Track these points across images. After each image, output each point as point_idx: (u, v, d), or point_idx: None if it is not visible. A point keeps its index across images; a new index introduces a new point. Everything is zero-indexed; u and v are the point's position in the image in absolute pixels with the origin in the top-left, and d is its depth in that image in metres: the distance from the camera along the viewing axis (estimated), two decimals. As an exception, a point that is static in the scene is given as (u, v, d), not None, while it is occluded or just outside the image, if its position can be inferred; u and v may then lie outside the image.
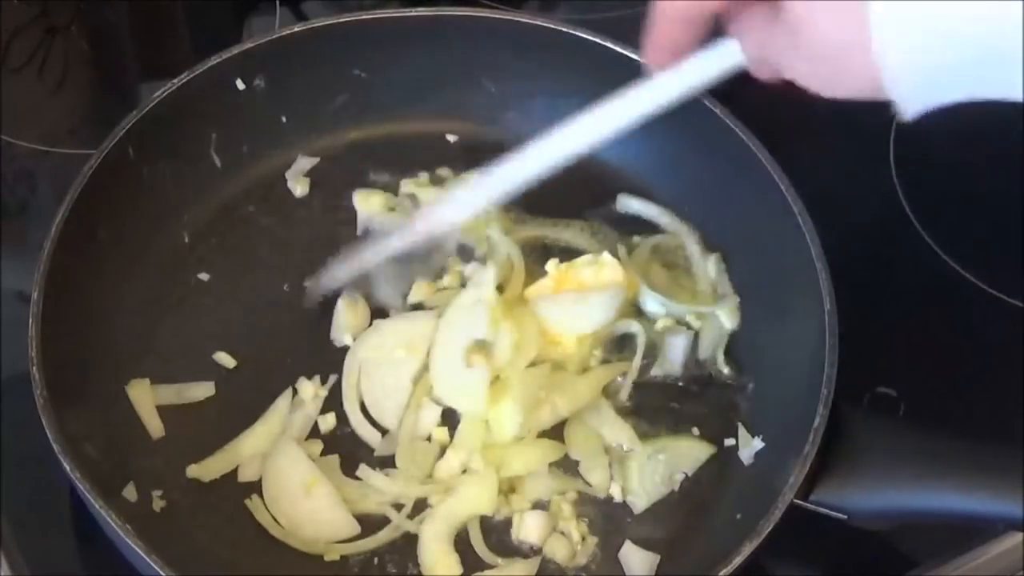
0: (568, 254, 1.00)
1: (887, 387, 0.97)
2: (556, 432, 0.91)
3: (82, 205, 0.88)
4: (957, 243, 1.06)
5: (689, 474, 0.90)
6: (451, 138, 1.07)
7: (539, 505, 0.88)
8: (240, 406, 0.91)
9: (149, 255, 0.96)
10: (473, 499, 0.87)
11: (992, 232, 1.09)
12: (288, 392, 0.92)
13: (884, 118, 1.13)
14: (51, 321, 0.83)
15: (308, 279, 0.96)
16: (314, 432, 0.90)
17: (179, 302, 0.96)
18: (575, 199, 1.02)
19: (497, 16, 1.02)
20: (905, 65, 0.64)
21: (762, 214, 0.94)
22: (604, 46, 0.99)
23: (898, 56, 0.64)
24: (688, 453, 0.90)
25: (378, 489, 0.87)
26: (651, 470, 0.89)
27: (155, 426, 0.89)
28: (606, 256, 0.97)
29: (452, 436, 0.90)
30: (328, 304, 0.95)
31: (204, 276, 0.97)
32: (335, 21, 1.01)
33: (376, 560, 0.85)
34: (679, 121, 0.99)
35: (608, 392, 0.93)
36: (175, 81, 0.96)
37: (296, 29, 1.01)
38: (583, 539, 0.87)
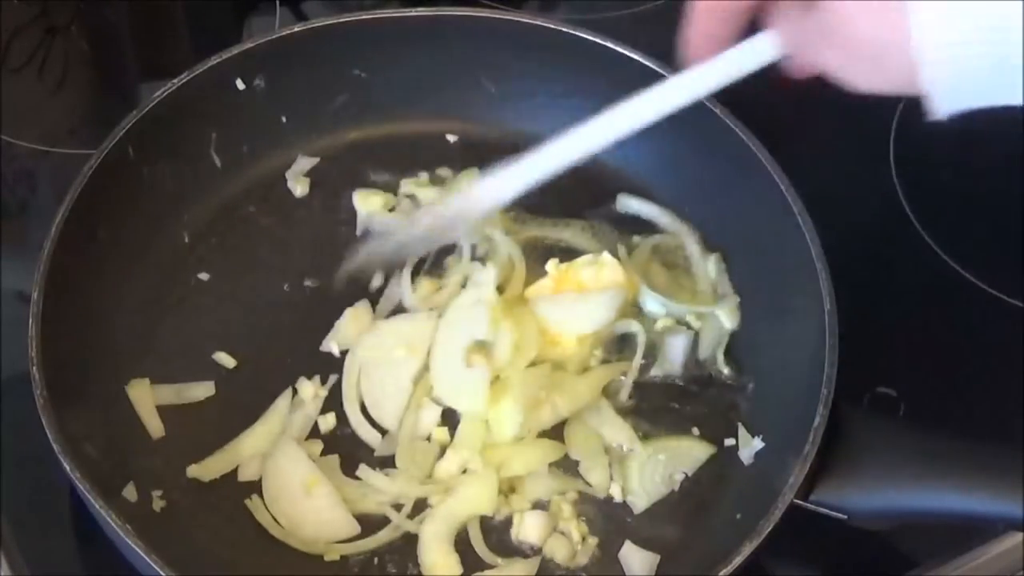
0: (568, 254, 1.00)
1: (887, 387, 0.97)
2: (556, 432, 0.91)
3: (82, 205, 0.88)
4: (957, 243, 1.06)
5: (689, 474, 0.90)
6: (451, 138, 1.07)
7: (539, 505, 0.88)
8: (240, 406, 0.91)
9: (149, 255, 0.96)
10: (473, 499, 0.87)
11: (992, 232, 1.09)
12: (288, 392, 0.92)
13: (884, 118, 1.15)
14: (51, 321, 0.83)
15: (340, 267, 0.95)
16: (314, 432, 0.90)
17: (179, 302, 0.96)
18: (575, 199, 1.02)
19: (497, 16, 1.02)
20: (943, 63, 0.64)
21: (762, 214, 0.94)
22: (604, 46, 0.99)
23: (936, 53, 0.64)
24: (688, 453, 0.91)
25: (378, 489, 0.87)
26: (651, 470, 0.89)
27: (155, 426, 0.89)
28: (606, 256, 0.97)
29: (452, 436, 0.90)
30: (329, 305, 0.95)
31: (204, 276, 0.97)
32: (335, 21, 1.01)
33: (376, 560, 0.85)
34: (679, 121, 0.99)
35: (608, 392, 0.93)
36: (175, 81, 0.96)
37: (296, 29, 1.01)
38: (583, 539, 0.87)
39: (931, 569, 0.89)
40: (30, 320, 0.82)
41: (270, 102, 1.02)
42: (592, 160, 1.04)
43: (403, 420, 0.90)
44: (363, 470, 0.88)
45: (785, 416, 0.86)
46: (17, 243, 1.02)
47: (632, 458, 0.90)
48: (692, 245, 1.00)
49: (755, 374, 0.94)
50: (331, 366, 0.93)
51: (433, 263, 0.99)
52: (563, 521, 0.87)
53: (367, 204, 1.01)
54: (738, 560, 0.77)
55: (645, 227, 1.02)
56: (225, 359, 0.93)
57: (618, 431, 0.91)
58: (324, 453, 0.89)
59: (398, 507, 0.87)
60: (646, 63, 0.98)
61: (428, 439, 0.90)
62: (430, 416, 0.91)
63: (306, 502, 0.86)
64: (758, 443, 0.89)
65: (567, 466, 0.90)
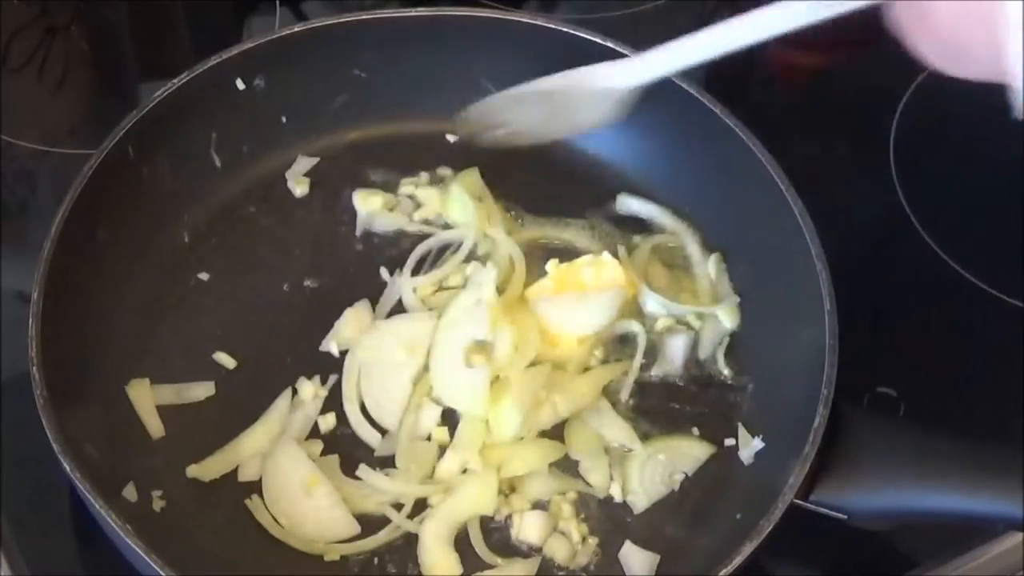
0: (568, 254, 1.00)
1: (887, 387, 0.97)
2: (556, 432, 0.91)
3: (82, 205, 0.88)
4: (957, 243, 1.06)
5: (689, 474, 0.90)
6: (451, 138, 1.07)
7: (539, 505, 0.88)
8: (240, 406, 0.91)
9: (149, 255, 0.96)
10: (473, 499, 0.87)
11: (992, 232, 1.09)
12: (288, 392, 0.92)
13: (884, 118, 1.15)
14: (51, 321, 0.83)
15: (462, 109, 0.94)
16: (314, 432, 0.90)
17: (179, 302, 0.96)
18: (575, 199, 1.02)
19: (497, 16, 1.02)
20: None
21: (762, 214, 0.94)
22: (604, 46, 0.99)
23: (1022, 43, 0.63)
24: (688, 453, 0.90)
25: (378, 489, 0.87)
26: (651, 470, 0.89)
27: (155, 426, 0.89)
28: (606, 256, 0.97)
29: (452, 436, 0.90)
30: (329, 305, 0.95)
31: (204, 276, 0.97)
32: (335, 21, 1.01)
33: (376, 560, 0.85)
34: (679, 121, 0.99)
35: (608, 392, 0.93)
36: (175, 81, 0.96)
37: (296, 29, 1.01)
38: (583, 539, 0.87)
39: (931, 569, 0.90)
40: (30, 320, 0.82)
41: (270, 102, 1.02)
42: (592, 160, 1.05)
43: (403, 420, 0.90)
44: (363, 470, 0.88)
45: (785, 416, 0.86)
46: (17, 243, 1.02)
47: (632, 458, 0.90)
48: (692, 245, 1.00)
49: (755, 374, 0.94)
50: (331, 366, 0.93)
51: (433, 263, 0.99)
52: (563, 521, 0.87)
53: (367, 204, 1.01)
54: (738, 560, 0.77)
55: (645, 227, 1.02)
56: (225, 359, 0.93)
57: (618, 431, 0.91)
58: (324, 453, 0.89)
59: (398, 507, 0.87)
60: (646, 63, 0.98)
61: (428, 439, 0.90)
62: (430, 416, 0.91)
63: (306, 502, 0.86)
64: (758, 443, 0.89)
65: (567, 466, 0.90)
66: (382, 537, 0.86)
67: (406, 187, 1.03)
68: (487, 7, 1.08)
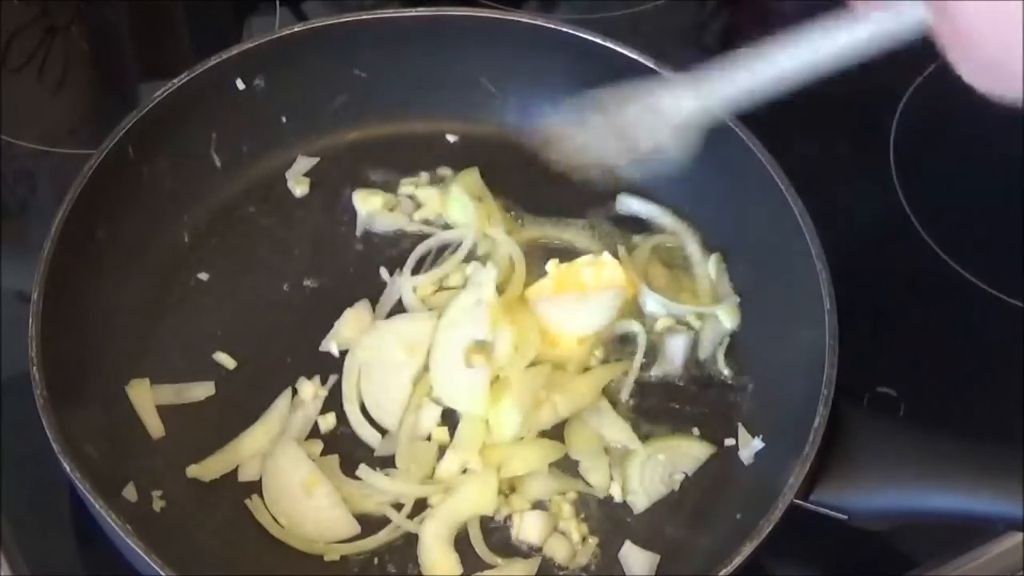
0: (568, 254, 1.00)
1: (887, 387, 0.97)
2: (556, 432, 0.91)
3: (82, 205, 0.88)
4: (957, 243, 1.06)
5: (689, 474, 0.90)
6: (451, 138, 1.07)
7: (539, 505, 0.88)
8: (240, 406, 0.91)
9: (149, 255, 0.96)
10: (473, 499, 0.87)
11: (992, 232, 1.09)
12: (288, 392, 0.92)
13: (884, 118, 1.15)
14: (51, 321, 0.83)
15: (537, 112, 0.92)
16: (314, 432, 0.90)
17: (179, 302, 0.96)
18: (575, 199, 1.02)
19: (497, 16, 1.03)
20: None
21: (762, 214, 0.94)
22: (604, 46, 0.99)
23: None
24: (688, 453, 0.90)
25: (378, 489, 0.87)
26: (651, 470, 0.89)
27: (155, 426, 0.89)
28: (606, 256, 0.97)
29: (452, 436, 0.90)
30: (329, 305, 0.95)
31: (204, 276, 0.97)
32: (335, 21, 1.01)
33: (376, 560, 0.85)
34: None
35: (608, 392, 0.93)
36: (175, 81, 0.96)
37: (296, 29, 1.01)
38: (583, 539, 0.87)
39: (931, 569, 0.89)
40: (30, 320, 0.82)
41: (270, 102, 1.02)
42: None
43: (403, 420, 0.90)
44: (363, 470, 0.88)
45: (785, 416, 0.86)
46: (17, 243, 1.02)
47: (632, 458, 0.90)
48: (692, 245, 1.00)
49: (755, 374, 0.94)
50: (331, 366, 0.93)
51: (433, 263, 0.99)
52: (563, 521, 0.87)
53: (367, 204, 1.01)
54: (738, 560, 0.77)
55: (645, 227, 1.02)
56: (225, 359, 0.93)
57: (618, 431, 0.91)
58: (324, 453, 0.89)
59: (398, 507, 0.87)
60: (646, 63, 0.98)
61: (428, 439, 0.90)
62: (430, 416, 0.91)
63: (306, 502, 0.86)
64: (758, 443, 0.89)
65: (567, 466, 0.90)
66: (382, 537, 0.86)
67: (406, 187, 1.03)
68: (487, 7, 1.08)
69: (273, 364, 0.93)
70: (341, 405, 0.91)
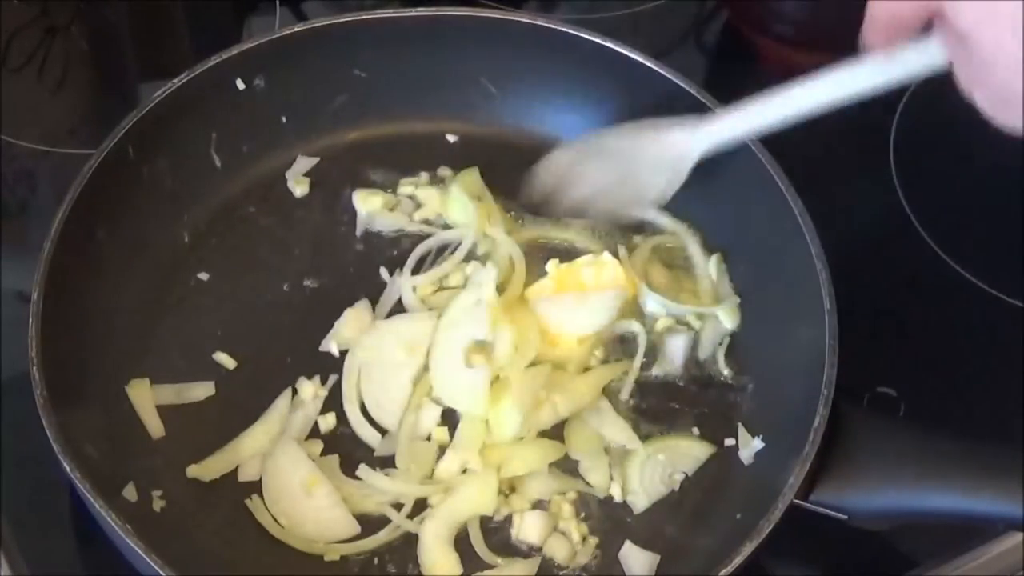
0: (568, 254, 1.00)
1: (887, 387, 0.97)
2: (556, 432, 0.91)
3: (82, 205, 0.88)
4: (957, 243, 1.06)
5: (689, 474, 0.90)
6: (451, 138, 1.07)
7: (539, 505, 0.88)
8: (240, 406, 0.91)
9: (149, 255, 0.96)
10: (473, 499, 0.87)
11: (992, 232, 1.09)
12: (288, 392, 0.91)
13: (884, 118, 1.15)
14: (51, 321, 0.83)
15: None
16: (314, 432, 0.90)
17: (179, 302, 0.96)
18: (575, 199, 1.02)
19: (497, 16, 1.02)
20: None
21: (762, 214, 0.94)
22: (604, 46, 0.99)
23: None
24: (688, 453, 0.90)
25: (378, 489, 0.87)
26: (651, 470, 0.89)
27: (155, 426, 0.89)
28: (606, 256, 0.97)
29: (452, 436, 0.90)
30: (329, 305, 0.95)
31: (204, 276, 0.97)
32: (335, 21, 1.01)
33: (376, 560, 0.85)
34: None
35: (608, 392, 0.93)
36: (175, 81, 0.96)
37: (296, 29, 1.00)
38: (583, 539, 0.87)
39: (931, 569, 0.89)
40: (30, 320, 0.82)
41: (270, 102, 1.02)
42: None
43: (403, 420, 0.90)
44: (363, 470, 0.88)
45: (785, 416, 0.86)
46: (17, 243, 1.02)
47: (632, 458, 0.90)
48: (692, 245, 1.00)
49: (755, 374, 0.94)
50: (331, 366, 0.93)
51: (433, 263, 0.99)
52: (563, 521, 0.87)
53: (367, 204, 1.01)
54: (738, 560, 0.77)
55: (645, 227, 1.02)
56: (225, 359, 0.93)
57: (618, 431, 0.91)
58: (324, 453, 0.89)
59: (398, 507, 0.87)
60: (646, 63, 0.98)
61: (428, 439, 0.90)
62: (430, 416, 0.91)
63: (306, 502, 0.86)
64: (758, 443, 0.89)
65: (567, 466, 0.90)
66: (382, 537, 0.86)
67: (406, 187, 1.03)
68: (487, 7, 1.08)
69: (273, 364, 0.93)
70: (341, 405, 0.91)
